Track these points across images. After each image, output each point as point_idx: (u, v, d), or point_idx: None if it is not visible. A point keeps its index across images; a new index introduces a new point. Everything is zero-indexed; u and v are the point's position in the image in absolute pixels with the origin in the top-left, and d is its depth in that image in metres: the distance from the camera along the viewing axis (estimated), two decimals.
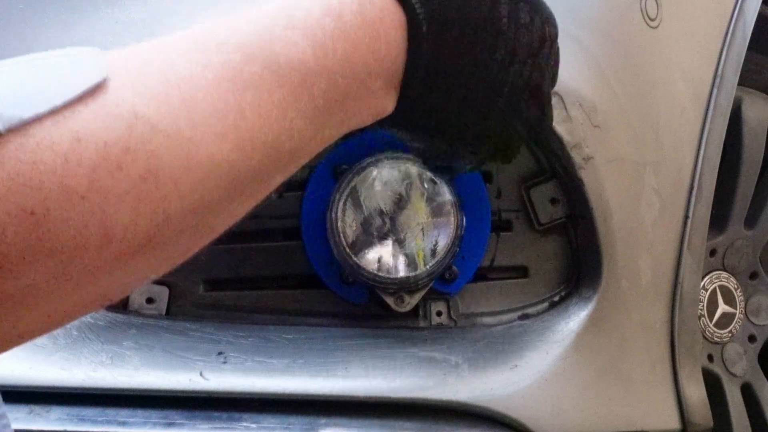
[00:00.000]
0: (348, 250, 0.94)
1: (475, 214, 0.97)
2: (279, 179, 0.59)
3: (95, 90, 0.47)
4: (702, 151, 1.01)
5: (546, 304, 1.00)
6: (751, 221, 1.27)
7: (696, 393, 1.02)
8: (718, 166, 1.04)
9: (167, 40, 0.53)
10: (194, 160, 0.50)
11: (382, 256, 0.94)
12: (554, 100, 0.90)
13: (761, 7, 1.11)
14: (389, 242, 0.94)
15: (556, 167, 0.94)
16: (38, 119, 0.45)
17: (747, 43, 1.08)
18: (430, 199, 0.94)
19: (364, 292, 0.99)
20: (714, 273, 1.23)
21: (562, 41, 0.92)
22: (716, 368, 1.21)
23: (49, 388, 0.90)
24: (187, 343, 0.94)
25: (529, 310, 1.00)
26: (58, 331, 0.92)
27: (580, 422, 0.94)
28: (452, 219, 0.94)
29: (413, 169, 0.94)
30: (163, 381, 0.91)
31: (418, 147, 0.76)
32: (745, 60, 1.07)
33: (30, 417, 0.89)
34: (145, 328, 0.95)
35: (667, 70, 0.99)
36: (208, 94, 0.52)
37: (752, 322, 1.27)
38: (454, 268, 0.98)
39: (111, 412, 0.90)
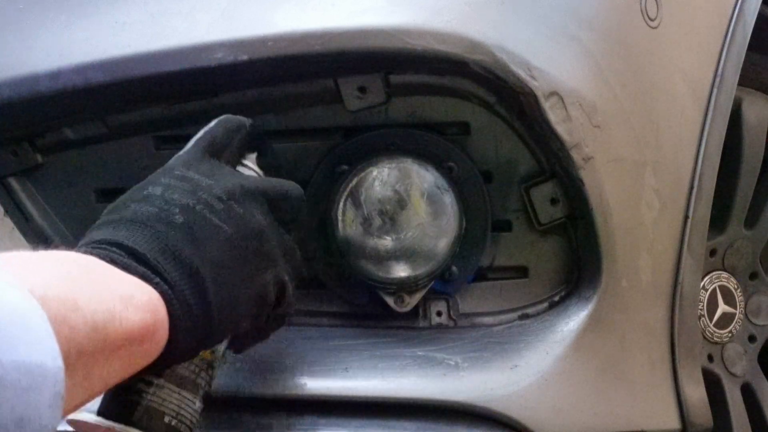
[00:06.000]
0: (348, 250, 0.94)
1: (475, 214, 0.97)
2: None
3: None
4: (702, 151, 1.01)
5: (546, 304, 1.00)
6: (751, 221, 1.27)
7: (696, 393, 1.02)
8: (718, 166, 1.03)
9: None
10: None
11: (382, 256, 0.94)
12: (554, 100, 0.90)
13: (761, 7, 1.11)
14: (389, 242, 0.93)
15: (556, 167, 0.94)
16: None
17: (747, 43, 1.08)
18: (430, 200, 0.94)
19: (364, 292, 0.99)
20: (714, 273, 1.23)
21: (562, 41, 0.92)
22: (716, 368, 1.21)
23: None
24: None
25: (529, 310, 1.00)
26: None
27: (580, 422, 0.94)
28: (452, 219, 0.94)
29: (413, 169, 0.94)
30: None
31: None
32: (745, 60, 1.07)
33: None
34: None
35: (667, 70, 0.99)
36: None
37: (752, 322, 1.27)
38: (454, 268, 0.97)
39: None
